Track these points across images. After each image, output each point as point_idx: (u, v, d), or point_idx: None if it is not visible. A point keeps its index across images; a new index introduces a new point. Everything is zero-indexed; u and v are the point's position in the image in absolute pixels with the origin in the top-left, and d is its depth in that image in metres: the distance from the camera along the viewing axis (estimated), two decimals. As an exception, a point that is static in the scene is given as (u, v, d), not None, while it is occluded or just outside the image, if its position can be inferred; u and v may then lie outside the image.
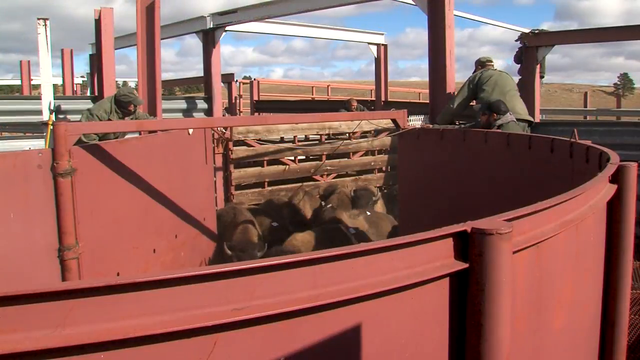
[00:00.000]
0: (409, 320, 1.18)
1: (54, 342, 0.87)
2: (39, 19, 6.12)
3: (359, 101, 9.40)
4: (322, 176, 7.00)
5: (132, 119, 5.70)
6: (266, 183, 6.46)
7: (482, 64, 6.12)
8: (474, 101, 5.99)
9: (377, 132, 7.39)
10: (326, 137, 7.02)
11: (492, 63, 6.13)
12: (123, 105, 5.60)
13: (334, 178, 7.14)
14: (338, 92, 15.94)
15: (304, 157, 6.94)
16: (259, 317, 0.98)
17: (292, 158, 6.74)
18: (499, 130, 4.67)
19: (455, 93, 6.11)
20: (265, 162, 6.43)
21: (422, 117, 8.02)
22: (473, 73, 6.10)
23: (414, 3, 6.57)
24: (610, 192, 1.81)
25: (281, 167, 6.60)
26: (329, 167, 7.02)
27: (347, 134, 7.25)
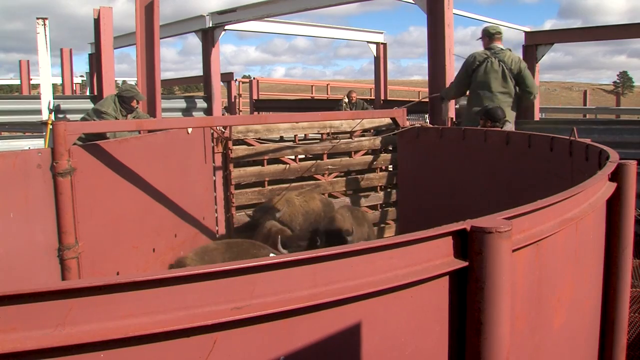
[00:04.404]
0: (409, 318, 1.18)
1: (54, 341, 0.87)
2: (38, 18, 6.12)
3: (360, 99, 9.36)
4: (323, 175, 6.98)
5: (133, 117, 5.71)
6: (266, 182, 6.45)
7: (489, 35, 5.59)
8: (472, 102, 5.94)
9: (377, 131, 7.38)
10: (327, 136, 7.00)
11: (501, 35, 5.58)
12: (126, 101, 5.62)
13: (335, 177, 7.13)
14: (338, 91, 15.92)
15: (304, 156, 6.92)
16: (259, 315, 0.98)
17: (293, 157, 6.72)
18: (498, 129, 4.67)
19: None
20: (265, 161, 6.41)
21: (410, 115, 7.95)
22: (482, 45, 5.72)
23: (413, 2, 6.55)
24: (610, 190, 1.81)
25: (281, 166, 6.57)
26: (330, 166, 7.01)
27: (348, 133, 7.23)
